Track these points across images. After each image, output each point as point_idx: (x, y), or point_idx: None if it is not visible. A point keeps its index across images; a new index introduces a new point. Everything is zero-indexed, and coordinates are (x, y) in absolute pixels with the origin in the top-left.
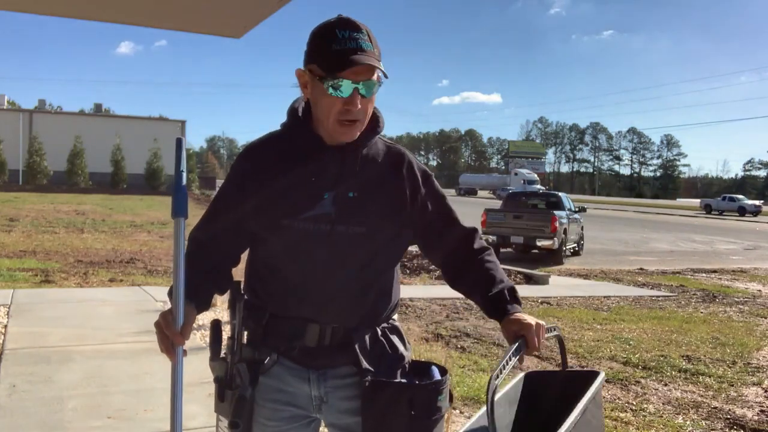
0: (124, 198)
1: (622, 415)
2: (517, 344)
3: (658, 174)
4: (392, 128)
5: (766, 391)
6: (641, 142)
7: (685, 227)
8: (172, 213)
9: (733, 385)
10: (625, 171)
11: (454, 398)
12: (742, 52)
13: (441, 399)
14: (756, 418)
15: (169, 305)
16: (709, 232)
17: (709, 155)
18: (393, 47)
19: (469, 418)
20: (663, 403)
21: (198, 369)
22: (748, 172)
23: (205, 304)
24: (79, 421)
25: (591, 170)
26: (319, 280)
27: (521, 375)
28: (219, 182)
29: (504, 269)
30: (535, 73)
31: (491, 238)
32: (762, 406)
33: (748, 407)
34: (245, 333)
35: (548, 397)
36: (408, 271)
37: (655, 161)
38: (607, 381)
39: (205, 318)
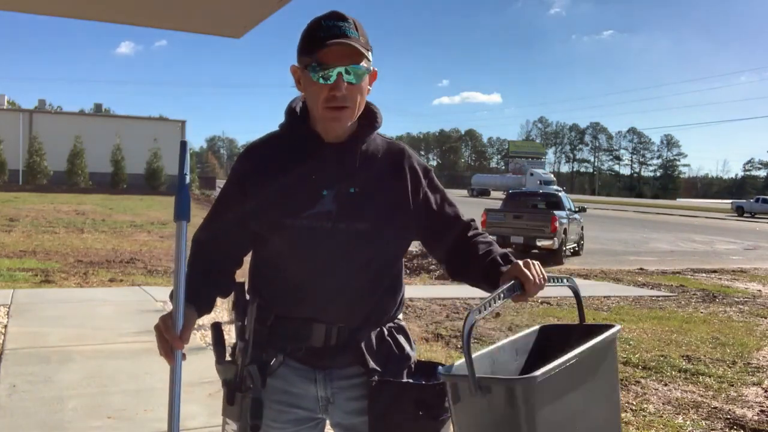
0: (124, 198)
1: (622, 415)
2: (510, 283)
3: (658, 174)
4: (392, 128)
5: (766, 391)
6: (641, 142)
7: (685, 227)
8: (175, 216)
9: (733, 385)
10: (625, 171)
11: None
12: (742, 52)
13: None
14: (756, 418)
15: (169, 306)
16: (709, 232)
17: (709, 155)
18: (393, 47)
19: None
20: (663, 403)
21: (198, 369)
22: (748, 172)
23: (207, 307)
24: (79, 421)
25: (591, 170)
26: (322, 278)
27: (536, 327)
28: (219, 182)
29: None
30: (535, 73)
31: (491, 238)
32: (762, 406)
33: (748, 407)
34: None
35: (563, 351)
36: (408, 271)
37: (655, 161)
38: None
39: (204, 318)
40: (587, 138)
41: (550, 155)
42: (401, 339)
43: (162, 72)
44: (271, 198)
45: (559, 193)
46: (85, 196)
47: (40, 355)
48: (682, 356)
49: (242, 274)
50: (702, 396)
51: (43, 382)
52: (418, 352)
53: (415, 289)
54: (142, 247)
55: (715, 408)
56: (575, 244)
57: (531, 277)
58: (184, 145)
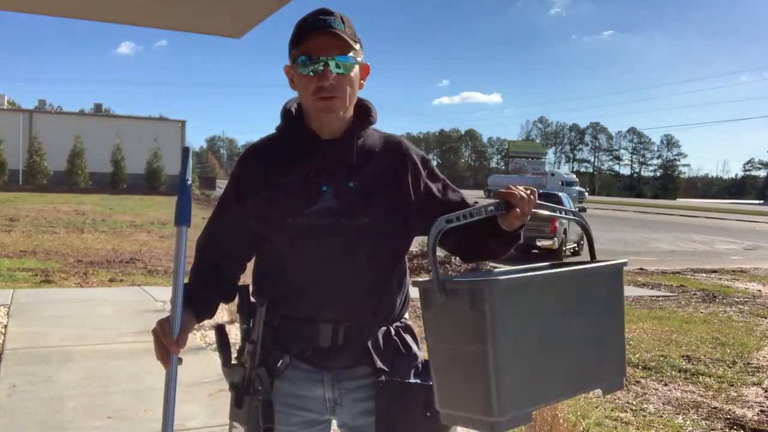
0: (124, 198)
1: (622, 415)
2: (495, 201)
3: (658, 174)
4: (392, 128)
5: (766, 391)
6: (641, 142)
7: (685, 227)
8: (175, 221)
9: (733, 385)
10: (625, 171)
11: None
12: (742, 52)
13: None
14: (756, 418)
15: (169, 306)
16: (709, 232)
17: (709, 155)
18: (393, 47)
19: None
20: (663, 403)
21: (198, 369)
22: (748, 172)
23: (208, 312)
24: (79, 421)
25: (591, 170)
26: (326, 276)
27: (546, 264)
28: (219, 182)
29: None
30: (535, 73)
31: None
32: (762, 406)
33: (748, 407)
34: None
35: None
36: (408, 271)
37: (655, 161)
38: None
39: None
40: (587, 138)
41: (550, 155)
42: (408, 338)
43: (162, 72)
44: (272, 198)
45: (560, 194)
46: (85, 196)
47: (40, 355)
48: (682, 356)
49: (247, 277)
50: (702, 396)
51: (43, 382)
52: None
53: (415, 289)
54: (142, 247)
55: (715, 408)
56: (575, 244)
57: (516, 193)
58: (186, 151)
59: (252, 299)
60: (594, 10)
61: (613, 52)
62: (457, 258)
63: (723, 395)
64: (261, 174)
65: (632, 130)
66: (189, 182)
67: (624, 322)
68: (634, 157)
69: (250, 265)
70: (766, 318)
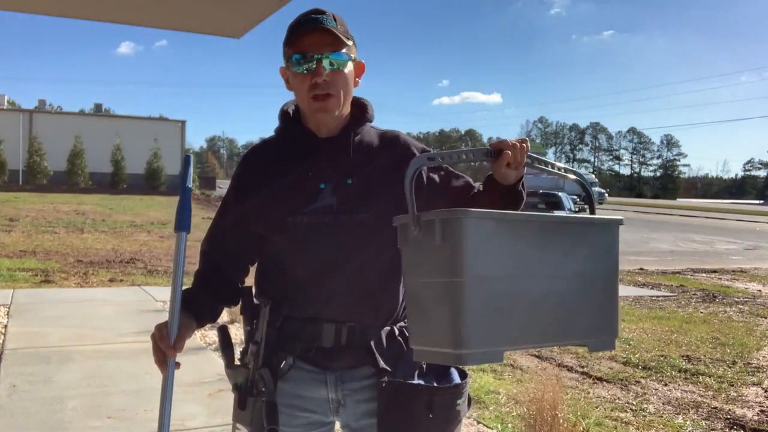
0: (124, 198)
1: (622, 415)
2: (485, 148)
3: (658, 174)
4: (392, 128)
5: (766, 391)
6: (641, 142)
7: (685, 227)
8: (175, 227)
9: (733, 385)
10: (625, 171)
11: (472, 403)
12: (742, 52)
13: (460, 403)
14: (756, 418)
15: (168, 307)
16: (709, 232)
17: (709, 155)
18: (393, 47)
19: (468, 417)
20: (663, 403)
21: (198, 369)
22: (748, 172)
23: (209, 316)
24: (79, 421)
25: (591, 170)
26: (328, 275)
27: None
28: (219, 182)
29: None
30: (535, 73)
31: None
32: (762, 406)
33: (748, 407)
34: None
35: None
36: None
37: (655, 161)
38: (607, 381)
39: None
40: (587, 138)
41: (551, 155)
42: None
43: (162, 72)
44: (271, 197)
45: (560, 194)
46: (85, 196)
47: (40, 355)
48: (682, 356)
49: (250, 280)
50: (702, 396)
51: (43, 382)
52: None
53: None
54: (142, 247)
55: (715, 408)
56: None
57: (508, 141)
58: (188, 158)
59: (255, 301)
60: (594, 10)
61: (612, 52)
62: None
63: (723, 395)
64: (260, 174)
65: (632, 130)
66: (190, 188)
67: (617, 283)
68: (634, 157)
69: (254, 269)
70: (766, 318)
